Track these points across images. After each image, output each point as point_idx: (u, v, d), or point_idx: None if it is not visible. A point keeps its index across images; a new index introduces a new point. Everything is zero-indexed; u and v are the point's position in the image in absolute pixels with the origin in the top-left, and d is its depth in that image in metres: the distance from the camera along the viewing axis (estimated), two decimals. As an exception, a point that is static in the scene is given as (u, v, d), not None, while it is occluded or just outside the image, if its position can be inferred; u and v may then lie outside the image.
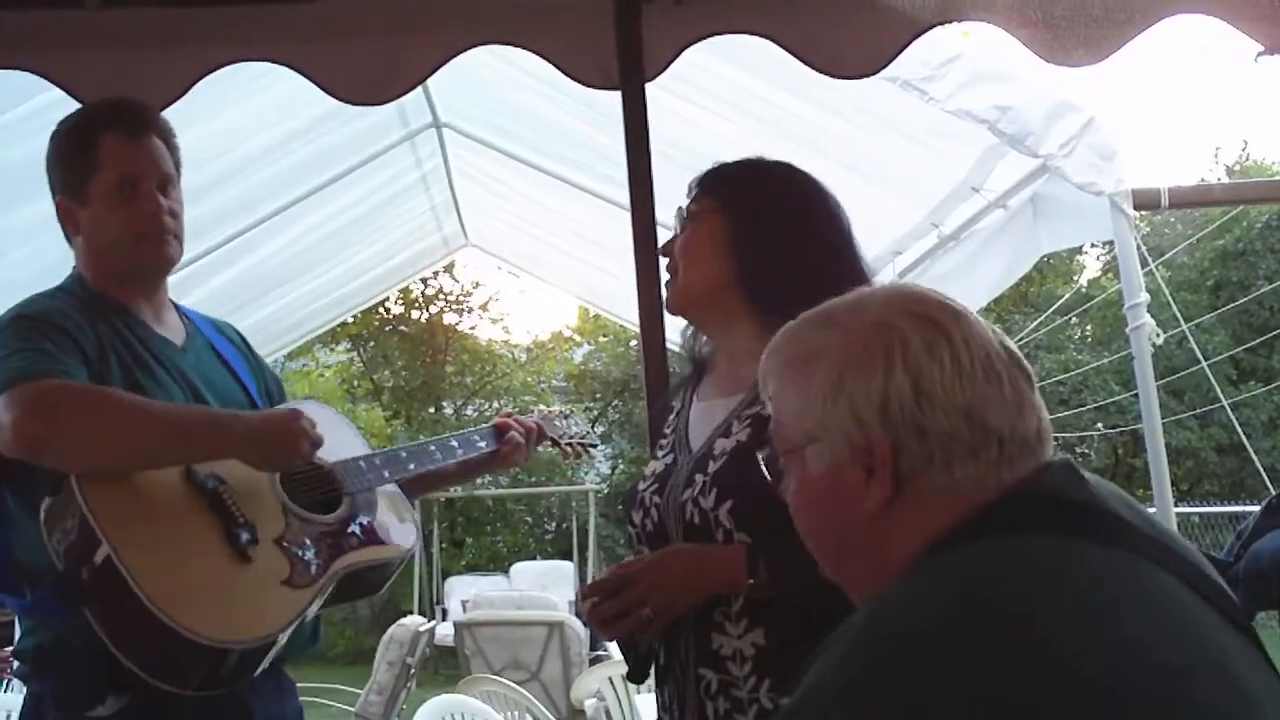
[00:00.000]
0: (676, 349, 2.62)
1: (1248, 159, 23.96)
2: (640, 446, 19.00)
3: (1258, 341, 17.98)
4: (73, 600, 1.99)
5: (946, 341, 1.20)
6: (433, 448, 2.59)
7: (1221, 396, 6.00)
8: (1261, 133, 39.48)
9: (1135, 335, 3.74)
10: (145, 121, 2.34)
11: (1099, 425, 18.64)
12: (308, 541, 2.23)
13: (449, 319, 21.14)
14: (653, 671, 2.04)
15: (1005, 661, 0.99)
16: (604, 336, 21.53)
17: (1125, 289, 3.80)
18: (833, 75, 2.61)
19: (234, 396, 2.41)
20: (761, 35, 2.55)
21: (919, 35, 2.55)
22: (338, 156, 5.14)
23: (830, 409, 1.23)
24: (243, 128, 4.15)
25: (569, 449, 2.84)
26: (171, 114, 2.47)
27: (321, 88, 2.52)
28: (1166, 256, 15.76)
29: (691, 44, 2.57)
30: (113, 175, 2.27)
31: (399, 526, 2.45)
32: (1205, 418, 17.61)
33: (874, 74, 2.67)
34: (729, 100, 4.32)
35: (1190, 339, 5.95)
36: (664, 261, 2.11)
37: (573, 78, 2.60)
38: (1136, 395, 4.09)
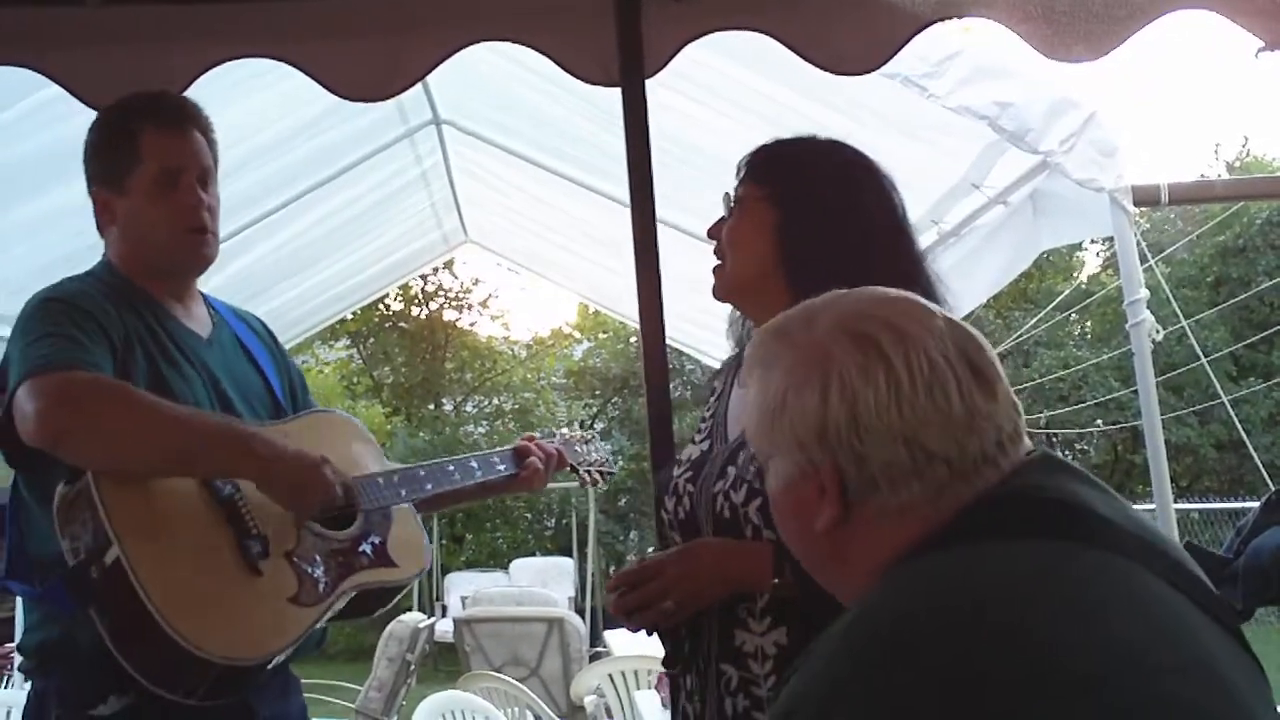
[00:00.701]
0: (675, 345, 2.62)
1: (1248, 155, 23.99)
2: (640, 443, 19.00)
3: (1258, 338, 17.98)
4: (80, 596, 1.98)
5: (883, 363, 1.17)
6: (451, 468, 2.55)
7: (1221, 393, 5.98)
8: (1262, 128, 39.51)
9: (1135, 331, 3.74)
10: (186, 115, 2.34)
11: (1098, 422, 18.66)
12: (318, 558, 2.20)
13: (449, 316, 21.17)
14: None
15: (994, 662, 0.98)
16: (604, 333, 21.55)
17: (1125, 285, 3.80)
18: (833, 71, 2.61)
19: (256, 391, 2.40)
20: (762, 31, 2.55)
21: (919, 31, 2.55)
22: (338, 153, 5.13)
23: (777, 428, 1.23)
24: (243, 124, 4.14)
25: (587, 476, 2.83)
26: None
27: (322, 84, 2.52)
28: (1166, 253, 15.77)
29: (692, 40, 2.57)
30: (154, 168, 2.27)
31: (410, 549, 2.41)
32: (1205, 414, 17.61)
33: (874, 70, 2.66)
34: (729, 96, 4.32)
35: (1190, 335, 5.94)
36: (711, 245, 2.07)
37: (573, 74, 2.60)
38: (1136, 391, 4.08)
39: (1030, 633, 1.00)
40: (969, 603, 1.04)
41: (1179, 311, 5.07)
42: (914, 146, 4.22)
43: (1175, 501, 3.92)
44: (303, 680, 2.43)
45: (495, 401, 21.08)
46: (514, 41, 2.59)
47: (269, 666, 2.10)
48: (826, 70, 2.60)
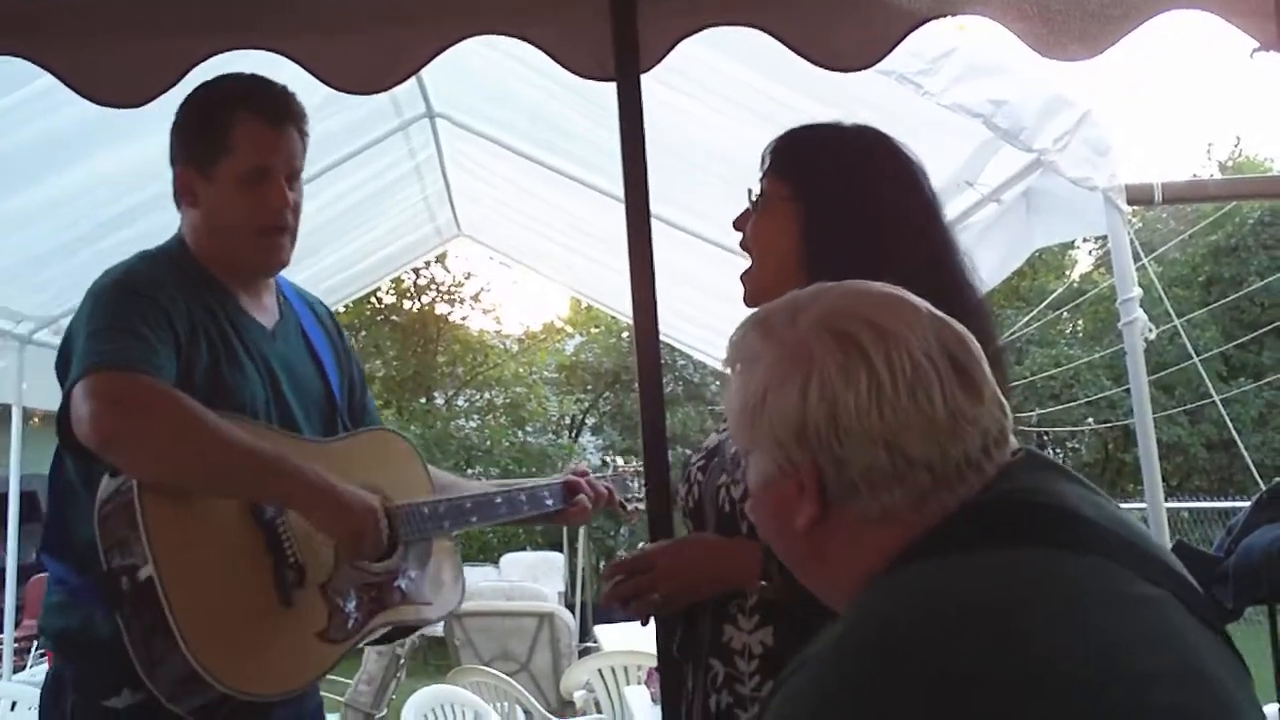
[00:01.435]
0: (668, 341, 2.61)
1: (1240, 155, 24.02)
2: (631, 438, 19.02)
3: (1248, 338, 18.01)
4: (110, 600, 1.97)
5: (864, 363, 1.15)
6: (499, 500, 2.52)
7: (1213, 392, 5.99)
8: (1254, 129, 39.56)
9: (1128, 330, 3.74)
10: (285, 109, 2.31)
11: (1090, 420, 18.69)
12: (352, 592, 2.17)
13: (441, 309, 21.12)
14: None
15: (983, 670, 0.98)
16: (596, 328, 21.53)
17: (1118, 284, 3.81)
18: (828, 68, 2.61)
19: (313, 391, 2.37)
20: (758, 27, 2.54)
21: (915, 29, 2.54)
22: (331, 146, 5.12)
23: (757, 425, 1.22)
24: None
25: (635, 513, 2.77)
26: (165, 103, 2.46)
27: (316, 76, 2.51)
28: (1159, 252, 15.77)
29: (688, 35, 2.56)
30: (244, 162, 2.24)
31: (444, 588, 2.39)
32: (1195, 413, 17.63)
33: (869, 67, 2.66)
34: (723, 93, 4.32)
35: (1183, 334, 5.95)
36: (736, 236, 2.03)
37: (568, 68, 2.59)
38: (1128, 390, 4.09)
39: (1020, 640, 1.00)
40: (957, 610, 1.04)
41: (1171, 311, 5.08)
42: (908, 144, 4.22)
43: (1166, 500, 3.93)
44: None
45: (487, 396, 21.05)
46: (509, 35, 2.58)
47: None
48: (821, 67, 2.59)
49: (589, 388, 21.47)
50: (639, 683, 5.77)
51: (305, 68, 2.48)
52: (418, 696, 4.95)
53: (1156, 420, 3.98)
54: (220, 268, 2.29)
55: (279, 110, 2.30)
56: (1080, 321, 21.16)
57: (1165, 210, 19.64)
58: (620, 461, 2.85)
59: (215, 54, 2.45)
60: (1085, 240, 19.13)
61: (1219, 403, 6.07)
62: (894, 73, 3.48)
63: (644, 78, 2.53)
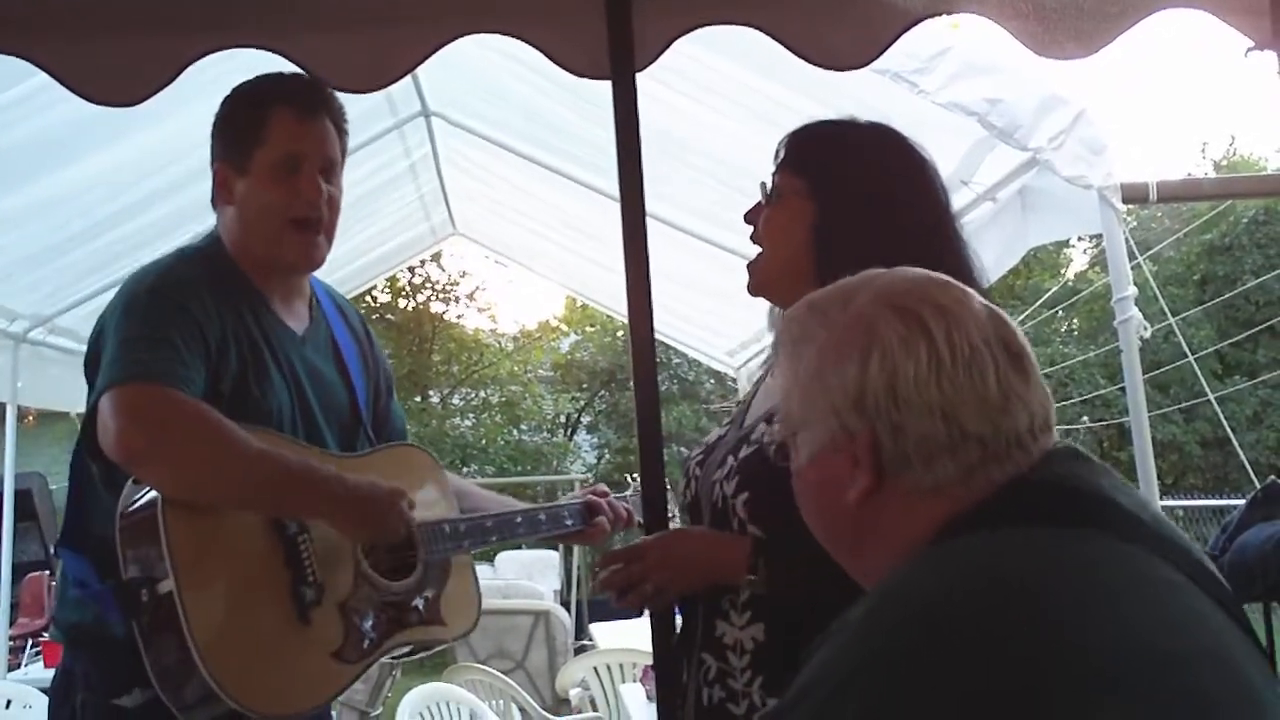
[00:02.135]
0: (663, 339, 2.61)
1: (1235, 154, 24.04)
2: (626, 437, 19.02)
3: (1243, 336, 18.05)
4: (127, 609, 1.96)
5: (925, 337, 1.19)
6: (519, 519, 2.51)
7: (1208, 390, 6.00)
8: (1249, 127, 39.58)
9: (1123, 328, 3.75)
10: (320, 101, 2.32)
11: (1085, 418, 18.69)
12: (370, 611, 2.16)
13: (436, 308, 21.10)
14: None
15: (1019, 647, 0.99)
16: (591, 326, 21.53)
17: (1114, 282, 3.81)
18: (823, 67, 2.61)
19: (338, 402, 2.36)
20: (753, 26, 2.54)
21: (910, 27, 2.54)
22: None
23: (812, 398, 1.24)
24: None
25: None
26: (159, 101, 2.46)
27: (311, 74, 2.50)
28: (1154, 250, 15.80)
29: (683, 34, 2.56)
30: (278, 152, 2.24)
31: (462, 608, 2.38)
32: (1190, 411, 17.66)
33: (865, 66, 2.66)
34: (718, 91, 4.32)
35: (1178, 333, 5.96)
36: (748, 229, 2.03)
37: (563, 66, 2.59)
38: (1122, 389, 4.10)
39: (1059, 619, 1.01)
40: (999, 587, 1.05)
41: (1166, 309, 5.08)
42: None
43: (1161, 499, 3.94)
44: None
45: (482, 394, 21.04)
46: (505, 33, 2.58)
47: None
48: (817, 66, 2.59)
49: (584, 386, 21.48)
50: (634, 680, 5.77)
51: (301, 66, 2.48)
52: (413, 694, 4.95)
53: (1151, 418, 3.98)
54: (254, 267, 2.28)
55: (313, 100, 2.31)
56: (1075, 320, 21.18)
57: (1160, 209, 19.68)
58: (638, 479, 2.85)
59: (210, 52, 2.44)
60: (1080, 239, 19.15)
61: (1214, 401, 6.09)
62: (889, 71, 3.49)
63: (639, 76, 2.53)
